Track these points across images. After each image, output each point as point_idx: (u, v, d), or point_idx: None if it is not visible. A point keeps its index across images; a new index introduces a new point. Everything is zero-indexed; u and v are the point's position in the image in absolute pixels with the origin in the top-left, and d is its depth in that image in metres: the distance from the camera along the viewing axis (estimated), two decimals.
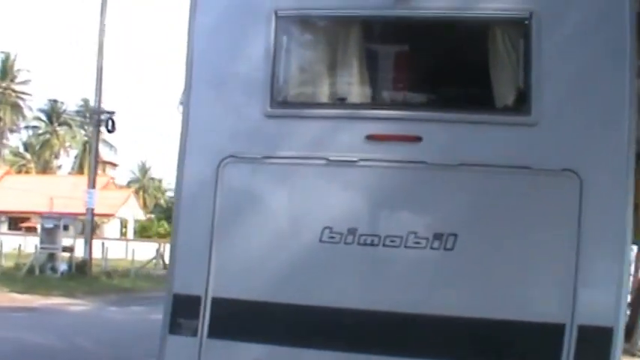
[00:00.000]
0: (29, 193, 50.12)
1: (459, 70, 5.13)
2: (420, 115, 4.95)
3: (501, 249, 4.77)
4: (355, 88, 5.20)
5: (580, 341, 4.53)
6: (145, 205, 69.77)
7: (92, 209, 29.36)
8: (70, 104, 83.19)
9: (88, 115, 37.23)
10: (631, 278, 14.30)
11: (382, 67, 5.30)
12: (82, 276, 27.85)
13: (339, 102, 5.21)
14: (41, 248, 28.61)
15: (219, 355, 4.98)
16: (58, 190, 48.91)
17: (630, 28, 4.74)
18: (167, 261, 28.73)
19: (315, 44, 5.40)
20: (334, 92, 5.26)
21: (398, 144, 4.89)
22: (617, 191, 4.68)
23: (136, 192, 67.91)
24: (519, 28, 4.90)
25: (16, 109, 69.67)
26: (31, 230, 47.87)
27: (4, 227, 54.78)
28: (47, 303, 20.41)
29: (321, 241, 4.86)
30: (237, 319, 5.00)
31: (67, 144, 71.70)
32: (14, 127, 71.12)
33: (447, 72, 5.16)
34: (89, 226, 29.79)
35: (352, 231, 4.83)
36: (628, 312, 9.53)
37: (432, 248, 4.74)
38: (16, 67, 70.02)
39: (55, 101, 69.95)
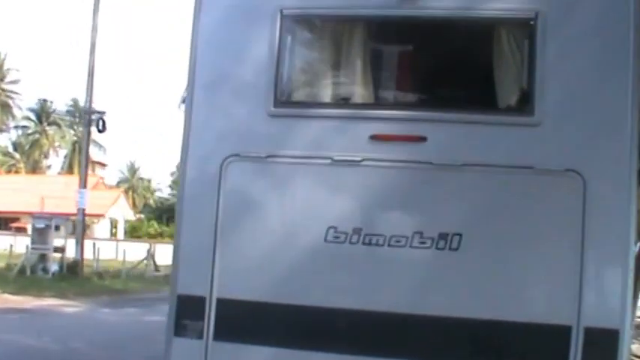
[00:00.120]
0: (19, 192, 49.93)
1: (464, 70, 5.14)
2: (425, 116, 4.94)
3: (506, 249, 4.77)
4: (359, 88, 5.19)
5: (587, 343, 4.53)
6: (134, 205, 69.61)
7: (83, 209, 29.23)
8: (60, 104, 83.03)
9: (78, 114, 37.08)
10: None
11: (387, 66, 5.31)
12: (73, 277, 27.71)
13: (343, 102, 5.20)
14: (32, 248, 28.43)
15: (226, 359, 4.93)
16: (48, 190, 48.72)
17: (634, 29, 4.75)
18: (158, 262, 28.79)
19: (319, 43, 5.39)
20: (338, 92, 5.25)
21: (402, 144, 4.89)
22: (620, 191, 4.68)
23: (125, 192, 67.72)
24: (524, 28, 4.90)
25: (6, 108, 69.46)
26: (20, 230, 47.67)
27: None
28: (39, 304, 20.29)
29: (326, 240, 4.85)
30: (243, 320, 4.97)
31: (57, 144, 71.49)
32: (3, 127, 70.89)
33: (451, 72, 5.16)
34: (81, 226, 29.67)
35: (357, 231, 4.82)
36: None
37: (437, 248, 4.74)
38: (5, 67, 69.77)
39: (45, 101, 69.80)
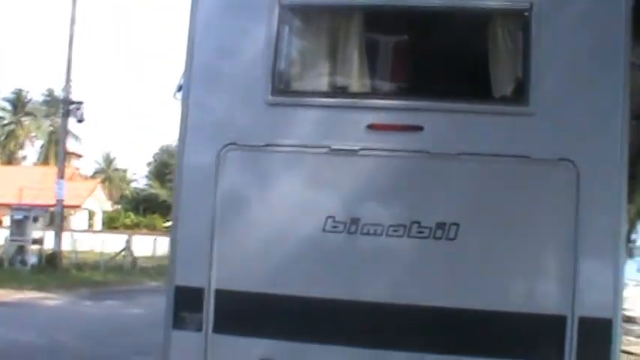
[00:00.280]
0: None
1: (460, 60, 5.17)
2: (421, 105, 4.96)
3: (502, 238, 4.83)
4: (357, 78, 5.19)
5: (581, 333, 4.60)
6: (110, 196, 69.16)
7: (62, 200, 29.04)
8: (36, 94, 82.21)
9: (55, 105, 36.78)
10: None
11: (384, 56, 5.33)
12: (52, 269, 27.57)
13: (341, 91, 5.20)
14: (11, 240, 28.25)
15: (226, 352, 4.93)
16: (24, 181, 48.30)
17: (626, 20, 4.82)
18: (135, 253, 28.66)
19: (317, 33, 5.36)
20: (336, 81, 5.25)
21: (399, 133, 4.91)
22: (612, 180, 4.75)
23: (102, 183, 67.25)
24: (519, 19, 4.96)
25: None
26: None
27: None
28: (20, 297, 20.17)
29: (324, 230, 4.86)
30: (241, 312, 4.97)
31: (32, 134, 70.78)
32: None
33: (447, 62, 5.19)
34: (59, 217, 29.49)
35: (355, 220, 4.84)
36: None
37: (434, 238, 4.77)
38: None
39: (21, 91, 68.98)
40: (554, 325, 4.64)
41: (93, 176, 72.14)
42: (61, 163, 30.15)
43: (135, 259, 34.97)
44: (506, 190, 4.85)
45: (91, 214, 60.41)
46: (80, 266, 30.69)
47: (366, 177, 4.93)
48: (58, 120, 51.71)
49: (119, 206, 70.40)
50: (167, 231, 57.60)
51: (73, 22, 29.25)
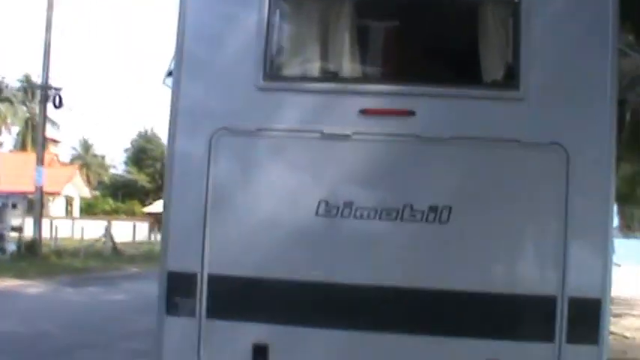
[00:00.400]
0: None
1: (451, 46, 5.22)
2: (413, 90, 4.97)
3: (493, 221, 4.88)
4: (348, 63, 5.20)
5: (571, 313, 4.69)
6: (89, 182, 68.78)
7: (41, 187, 28.83)
8: (11, 80, 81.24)
9: (37, 91, 36.40)
10: None
11: (375, 41, 5.37)
12: (31, 256, 27.36)
13: (332, 76, 5.21)
14: None
15: (220, 337, 4.94)
16: (2, 168, 47.85)
17: (614, 7, 4.88)
18: (117, 240, 28.52)
19: (308, 17, 5.34)
20: (327, 66, 5.25)
21: (391, 118, 4.93)
22: (602, 163, 4.83)
23: (80, 169, 66.84)
24: (510, 4, 5.01)
25: None
26: None
27: None
28: (0, 285, 20.02)
29: (317, 214, 4.88)
30: (235, 297, 4.98)
31: (9, 120, 70.07)
32: None
33: (439, 47, 5.23)
34: (39, 204, 29.25)
35: (348, 204, 4.86)
36: None
37: (427, 221, 4.81)
38: None
39: None
40: (545, 305, 4.72)
41: (71, 162, 71.63)
42: (40, 149, 29.87)
43: (115, 246, 34.86)
44: (497, 174, 4.90)
45: (70, 201, 60.07)
46: (60, 253, 30.49)
47: (358, 161, 4.95)
48: (35, 106, 51.37)
49: (97, 192, 70.06)
50: (146, 217, 57.45)
51: (50, 6, 28.95)
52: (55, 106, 29.50)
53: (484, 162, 4.90)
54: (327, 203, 4.88)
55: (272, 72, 5.06)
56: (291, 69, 5.27)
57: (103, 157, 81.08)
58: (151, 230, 50.34)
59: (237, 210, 4.98)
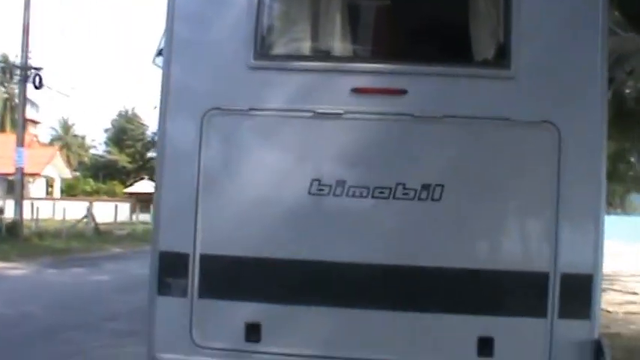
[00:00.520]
0: None
1: (443, 24, 5.18)
2: (405, 69, 4.97)
3: (485, 199, 4.90)
4: (340, 41, 5.19)
5: (563, 288, 4.74)
6: (69, 163, 68.35)
7: (22, 168, 28.61)
8: None
9: (15, 71, 36.00)
10: None
11: (367, 20, 5.33)
12: (13, 238, 27.22)
13: (324, 55, 5.19)
14: None
15: (212, 316, 4.94)
16: None
17: None
18: (98, 220, 28.50)
19: None
20: (319, 45, 5.23)
21: (383, 97, 4.93)
22: (593, 141, 4.86)
23: (60, 149, 66.39)
24: None
25: None
26: None
27: None
28: None
29: (310, 193, 4.87)
30: (227, 276, 4.97)
31: None
32: None
33: (430, 26, 5.20)
34: (19, 185, 29.04)
35: (341, 183, 4.86)
36: None
37: (419, 199, 4.82)
38: None
39: None
40: (537, 281, 4.77)
41: (50, 143, 71.11)
42: (21, 130, 29.58)
43: (97, 226, 34.75)
44: (489, 152, 4.91)
45: (50, 182, 59.70)
46: (42, 235, 30.37)
47: (350, 140, 4.94)
48: (14, 87, 50.89)
49: (78, 173, 69.67)
50: (127, 197, 57.23)
51: None
52: (35, 87, 29.25)
53: (476, 140, 4.90)
54: (319, 182, 4.87)
55: (263, 51, 5.03)
56: (283, 48, 5.24)
57: (83, 138, 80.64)
58: (132, 211, 50.20)
59: (229, 189, 4.97)
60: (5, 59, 54.75)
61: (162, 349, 4.97)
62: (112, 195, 62.25)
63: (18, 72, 31.07)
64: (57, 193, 59.26)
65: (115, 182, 69.44)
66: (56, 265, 21.29)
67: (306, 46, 5.22)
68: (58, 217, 35.98)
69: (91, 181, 68.17)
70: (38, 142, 62.97)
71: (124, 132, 77.64)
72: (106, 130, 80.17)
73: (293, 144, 5.00)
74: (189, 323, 4.93)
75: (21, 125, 29.86)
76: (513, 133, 4.85)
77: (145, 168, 74.65)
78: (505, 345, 4.77)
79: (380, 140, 4.94)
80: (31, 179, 52.53)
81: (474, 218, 4.88)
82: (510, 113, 4.82)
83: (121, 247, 29.21)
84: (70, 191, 61.42)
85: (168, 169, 5.04)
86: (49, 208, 42.41)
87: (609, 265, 19.55)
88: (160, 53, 5.41)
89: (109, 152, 78.14)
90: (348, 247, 4.90)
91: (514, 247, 4.92)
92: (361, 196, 4.85)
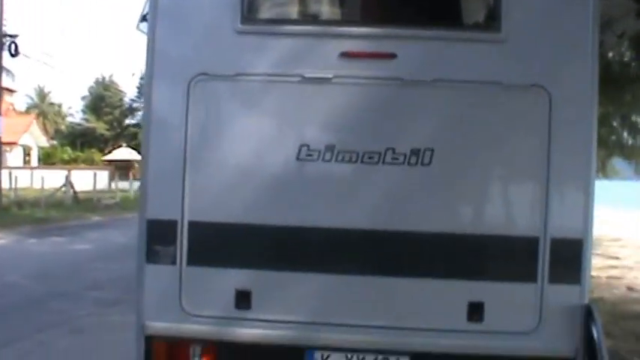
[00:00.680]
0: None
1: None
2: (394, 32, 4.90)
3: (476, 163, 4.88)
4: (329, 5, 5.13)
5: (553, 253, 4.75)
6: (46, 132, 67.77)
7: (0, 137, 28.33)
8: None
9: None
10: None
11: None
12: None
13: (312, 19, 5.12)
14: None
15: (201, 284, 4.91)
16: None
17: None
18: (77, 189, 28.31)
19: None
20: (307, 9, 5.17)
21: (372, 61, 4.86)
22: (584, 105, 4.83)
23: (36, 118, 65.76)
24: None
25: None
26: None
27: None
28: None
29: (298, 159, 4.83)
30: (216, 243, 4.93)
31: None
32: None
33: None
34: None
35: (330, 148, 4.82)
36: None
37: (409, 164, 4.79)
38: None
39: None
40: (527, 246, 4.77)
41: (26, 111, 70.39)
42: None
43: (76, 194, 34.54)
44: (479, 116, 4.87)
45: (27, 151, 59.18)
46: (20, 204, 30.20)
47: (339, 105, 4.89)
48: None
49: (55, 142, 69.11)
50: (105, 165, 56.89)
51: None
52: (12, 55, 28.83)
53: (466, 104, 4.86)
54: (308, 147, 4.83)
55: (250, 15, 4.93)
56: (270, 12, 5.14)
57: (59, 106, 79.90)
58: (111, 179, 49.94)
59: (217, 155, 4.91)
60: None
61: (152, 317, 4.94)
62: (90, 163, 61.86)
63: None
64: (34, 161, 58.77)
65: (93, 150, 69.01)
66: (36, 235, 21.19)
67: (294, 10, 5.13)
68: (37, 186, 35.74)
69: (68, 149, 67.65)
70: (14, 110, 62.28)
71: (101, 99, 77.03)
72: (83, 98, 79.56)
73: (281, 109, 4.94)
74: (178, 291, 4.90)
75: None
76: (504, 97, 4.81)
77: (123, 135, 74.31)
78: (495, 310, 4.78)
79: (369, 105, 4.89)
80: (8, 148, 52.06)
81: (464, 183, 4.86)
82: (501, 77, 4.78)
83: (100, 216, 29.08)
84: (47, 160, 60.96)
85: (154, 136, 4.97)
86: (27, 177, 42.14)
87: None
88: (144, 19, 5.31)
89: (86, 120, 77.56)
90: (337, 212, 4.86)
91: (504, 211, 4.91)
92: (350, 161, 4.81)
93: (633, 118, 14.99)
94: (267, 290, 4.89)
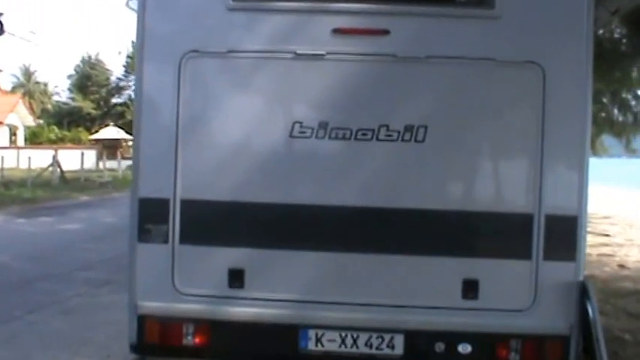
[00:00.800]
0: None
1: None
2: (387, 9, 4.87)
3: (470, 140, 4.86)
4: None
5: (547, 230, 4.75)
6: (32, 111, 67.27)
7: None
8: None
9: None
10: None
11: None
12: None
13: None
14: None
15: (194, 263, 4.87)
16: None
17: None
18: (65, 168, 28.12)
19: None
20: None
21: (365, 37, 4.83)
22: (578, 82, 4.81)
23: (22, 97, 65.23)
24: None
25: None
26: None
27: None
28: None
29: (291, 136, 4.80)
30: (209, 221, 4.91)
31: None
32: None
33: None
34: None
35: (323, 125, 4.79)
36: None
37: (403, 140, 4.77)
38: None
39: None
40: (522, 223, 4.77)
41: (12, 91, 69.82)
42: None
43: (63, 174, 34.35)
44: (473, 93, 4.85)
45: (13, 130, 58.74)
46: (7, 184, 29.97)
47: (332, 81, 4.85)
48: None
49: (42, 121, 68.62)
50: (93, 144, 56.58)
51: None
52: None
53: (460, 81, 4.84)
54: (301, 124, 4.79)
55: None
56: None
57: (45, 85, 79.30)
58: (99, 158, 49.69)
59: (209, 133, 4.87)
60: None
61: (144, 296, 4.92)
62: (77, 142, 61.48)
63: None
64: (20, 141, 58.35)
65: (80, 129, 68.52)
66: (24, 215, 21.05)
67: None
68: (23, 166, 35.49)
69: (55, 128, 67.14)
70: (0, 89, 61.78)
71: (87, 78, 76.43)
72: (69, 77, 78.89)
73: (274, 86, 4.90)
74: (170, 270, 4.87)
75: None
76: (498, 73, 4.79)
77: (110, 114, 73.83)
78: (490, 287, 4.79)
79: (362, 81, 4.85)
80: None
81: (457, 159, 4.84)
82: (495, 53, 4.76)
83: (88, 195, 28.93)
84: (34, 139, 60.53)
85: (146, 114, 4.92)
86: (13, 157, 41.83)
87: None
88: None
89: (72, 99, 76.96)
90: (331, 190, 4.85)
91: (498, 188, 4.90)
92: (344, 138, 4.78)
93: (623, 94, 14.97)
94: (260, 269, 4.86)
